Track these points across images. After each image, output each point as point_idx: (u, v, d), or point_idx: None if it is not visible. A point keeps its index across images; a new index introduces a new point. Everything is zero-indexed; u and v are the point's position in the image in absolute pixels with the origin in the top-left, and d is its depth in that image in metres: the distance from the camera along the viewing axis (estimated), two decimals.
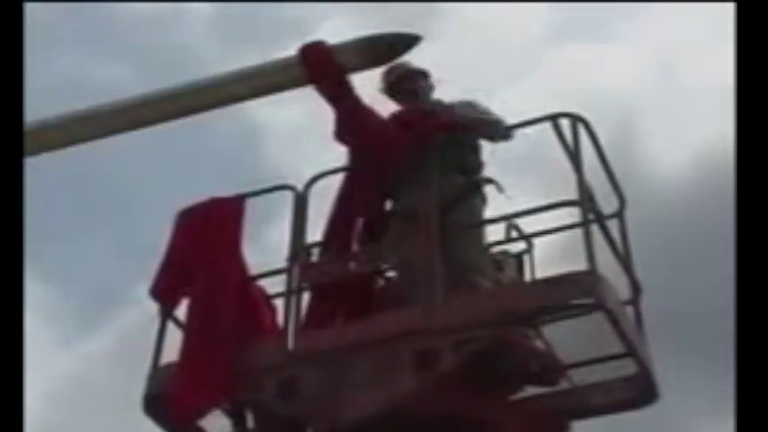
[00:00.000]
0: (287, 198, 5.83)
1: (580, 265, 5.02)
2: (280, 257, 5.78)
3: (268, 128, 21.99)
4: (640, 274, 5.68)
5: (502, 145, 5.96)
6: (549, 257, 6.25)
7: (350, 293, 5.71)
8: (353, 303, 5.67)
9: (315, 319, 5.58)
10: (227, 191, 6.00)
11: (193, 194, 6.08)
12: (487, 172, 6.02)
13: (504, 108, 6.08)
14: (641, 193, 5.96)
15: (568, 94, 17.17)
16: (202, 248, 5.72)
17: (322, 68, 5.76)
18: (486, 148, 6.02)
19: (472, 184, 5.85)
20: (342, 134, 5.90)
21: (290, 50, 5.91)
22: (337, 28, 20.07)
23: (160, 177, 21.16)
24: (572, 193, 5.29)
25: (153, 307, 5.85)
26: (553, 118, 5.49)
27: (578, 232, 5.25)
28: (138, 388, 5.60)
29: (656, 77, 21.81)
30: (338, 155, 6.09)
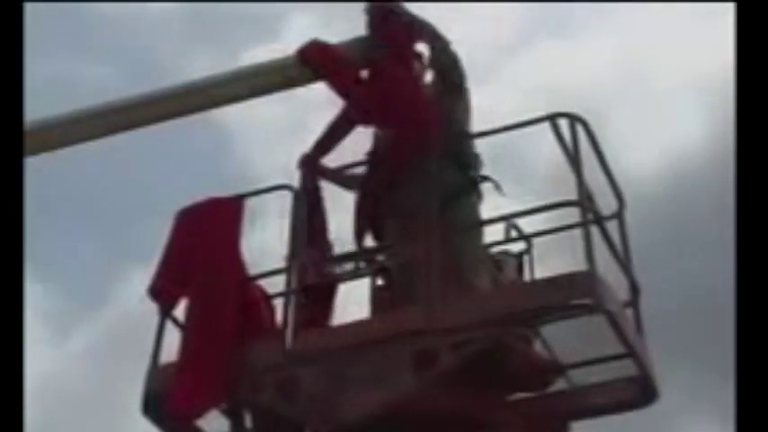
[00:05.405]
0: (269, 199, 5.85)
1: (568, 264, 5.04)
2: (265, 258, 5.80)
3: (239, 128, 21.98)
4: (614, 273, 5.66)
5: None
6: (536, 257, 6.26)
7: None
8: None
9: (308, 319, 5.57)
10: (205, 192, 6.00)
11: (172, 195, 6.08)
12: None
13: (478, 108, 6.13)
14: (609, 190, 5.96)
15: (540, 93, 17.19)
16: (201, 248, 5.71)
17: (330, 63, 5.77)
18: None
19: (469, 182, 5.84)
20: (368, 114, 5.88)
21: (258, 49, 5.94)
22: (302, 26, 20.18)
23: (139, 178, 21.11)
24: (552, 192, 5.30)
25: (136, 307, 5.85)
26: (551, 118, 5.48)
27: (566, 232, 5.25)
28: (123, 388, 5.60)
29: (627, 76, 21.88)
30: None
